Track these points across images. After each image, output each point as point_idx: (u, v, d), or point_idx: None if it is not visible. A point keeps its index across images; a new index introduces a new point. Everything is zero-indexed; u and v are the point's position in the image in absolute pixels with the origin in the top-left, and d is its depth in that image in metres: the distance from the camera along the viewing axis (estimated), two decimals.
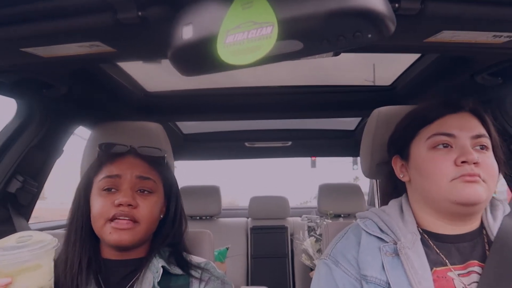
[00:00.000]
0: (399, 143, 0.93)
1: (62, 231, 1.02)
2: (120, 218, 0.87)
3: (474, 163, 0.79)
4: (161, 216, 0.98)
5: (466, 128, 0.84)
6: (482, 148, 0.83)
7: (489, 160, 0.82)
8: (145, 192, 0.92)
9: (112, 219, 0.87)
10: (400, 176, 0.92)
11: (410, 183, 0.90)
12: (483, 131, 0.85)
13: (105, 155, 0.97)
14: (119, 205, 0.87)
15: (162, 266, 0.90)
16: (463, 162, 0.79)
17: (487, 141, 0.84)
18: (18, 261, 0.64)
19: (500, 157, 0.86)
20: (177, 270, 0.92)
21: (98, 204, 0.90)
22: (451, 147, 0.83)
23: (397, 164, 0.93)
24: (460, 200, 0.79)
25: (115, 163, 0.94)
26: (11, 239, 0.68)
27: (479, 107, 0.88)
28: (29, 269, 0.65)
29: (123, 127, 1.17)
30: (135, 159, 0.95)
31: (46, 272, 0.68)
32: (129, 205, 0.88)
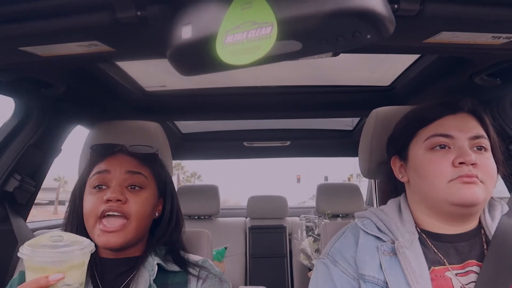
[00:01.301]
0: (398, 143, 0.93)
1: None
2: (110, 214, 0.87)
3: (472, 164, 0.79)
4: (157, 214, 0.98)
5: (464, 129, 0.83)
6: (480, 149, 0.83)
7: (487, 161, 0.82)
8: (136, 188, 0.92)
9: (102, 216, 0.87)
10: (399, 176, 0.92)
11: (409, 183, 0.90)
12: (481, 132, 0.85)
13: (97, 155, 0.98)
14: (108, 200, 0.87)
15: (158, 264, 0.90)
16: (461, 163, 0.79)
17: (485, 142, 0.84)
18: (69, 259, 0.69)
19: (499, 158, 0.86)
20: (174, 267, 0.92)
21: (89, 202, 0.90)
22: (449, 148, 0.83)
23: (396, 165, 0.93)
24: (458, 201, 0.79)
25: (105, 161, 0.95)
26: (43, 238, 0.72)
27: (478, 108, 0.87)
28: (76, 266, 0.70)
29: (121, 127, 1.17)
30: (125, 156, 0.96)
31: (86, 270, 0.74)
32: (118, 200, 0.88)
